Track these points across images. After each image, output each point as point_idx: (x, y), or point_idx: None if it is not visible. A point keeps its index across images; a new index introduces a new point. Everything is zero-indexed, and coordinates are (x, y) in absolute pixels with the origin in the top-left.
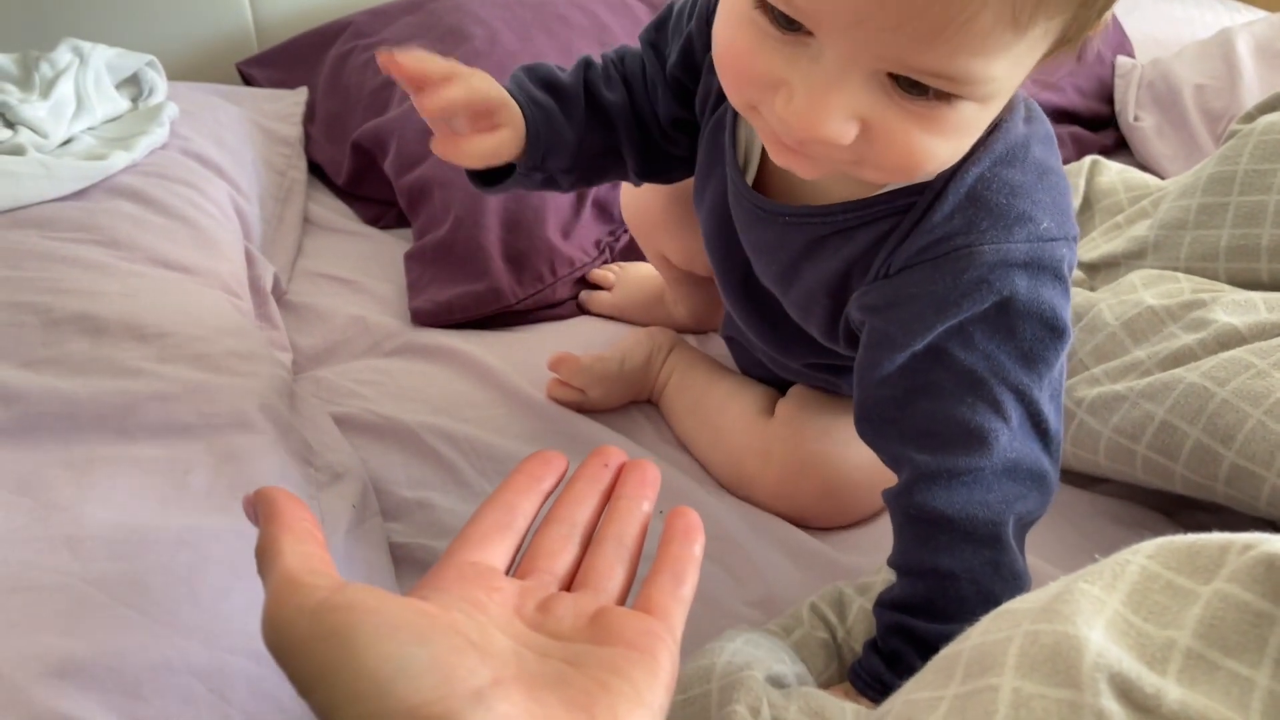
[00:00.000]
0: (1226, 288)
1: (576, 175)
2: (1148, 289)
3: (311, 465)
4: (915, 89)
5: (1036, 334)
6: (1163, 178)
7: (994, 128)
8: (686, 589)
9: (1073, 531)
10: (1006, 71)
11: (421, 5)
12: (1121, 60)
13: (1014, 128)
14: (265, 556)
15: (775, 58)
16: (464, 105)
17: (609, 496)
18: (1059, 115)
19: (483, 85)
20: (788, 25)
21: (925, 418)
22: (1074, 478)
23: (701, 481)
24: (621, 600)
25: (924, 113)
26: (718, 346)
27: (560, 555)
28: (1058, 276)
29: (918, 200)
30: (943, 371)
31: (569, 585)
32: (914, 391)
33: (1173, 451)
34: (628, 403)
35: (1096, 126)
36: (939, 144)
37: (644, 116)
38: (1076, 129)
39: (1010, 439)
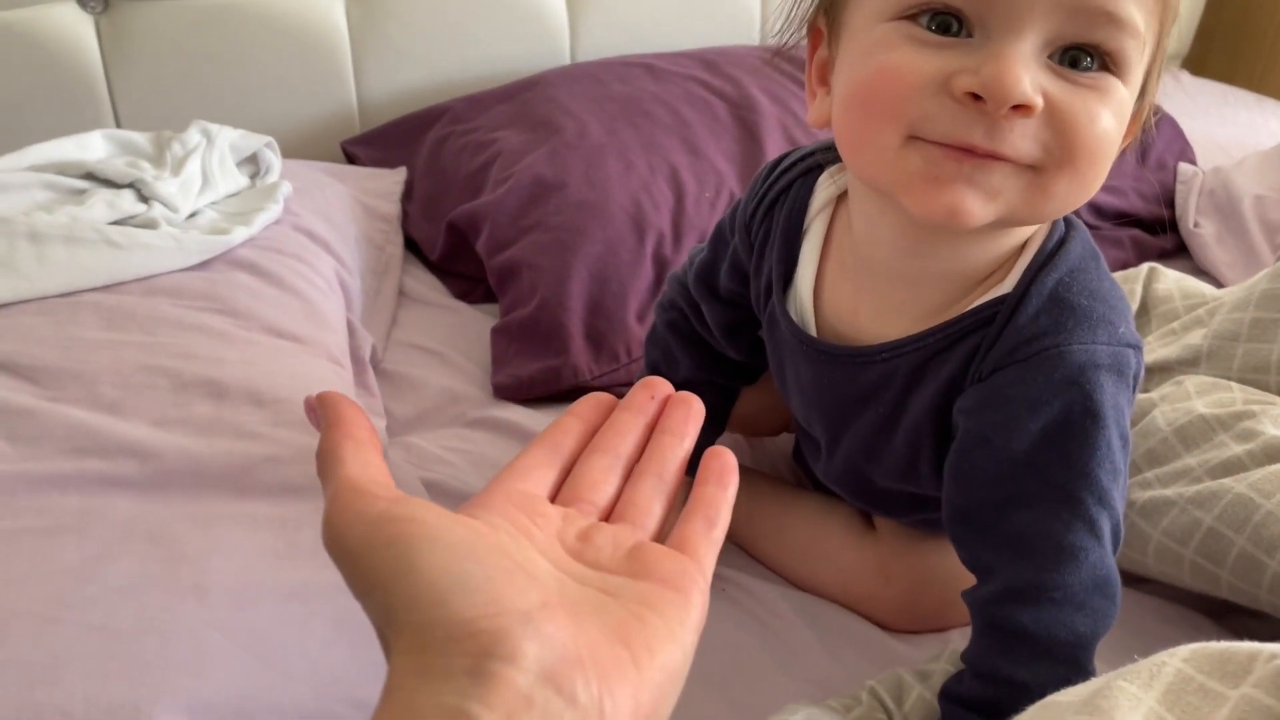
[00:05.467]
0: (1278, 400)
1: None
2: (1201, 397)
3: None
4: (1078, 64)
5: (1119, 446)
6: (1221, 284)
7: (1064, 239)
8: (718, 531)
9: (1123, 630)
10: (1144, 41)
11: (514, 95)
12: (1184, 167)
13: (1081, 243)
14: (327, 461)
15: (939, 57)
16: None
17: (653, 428)
18: (1121, 218)
19: None
20: (943, 30)
21: (1022, 525)
22: (1124, 577)
23: (756, 571)
24: (659, 535)
25: (1089, 84)
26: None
27: (602, 486)
28: (1129, 385)
29: (1002, 309)
30: (1040, 484)
31: (609, 515)
32: (1013, 499)
33: (1219, 558)
34: None
35: (1157, 230)
36: (1110, 118)
37: (706, 349)
38: (1137, 232)
39: (1101, 556)
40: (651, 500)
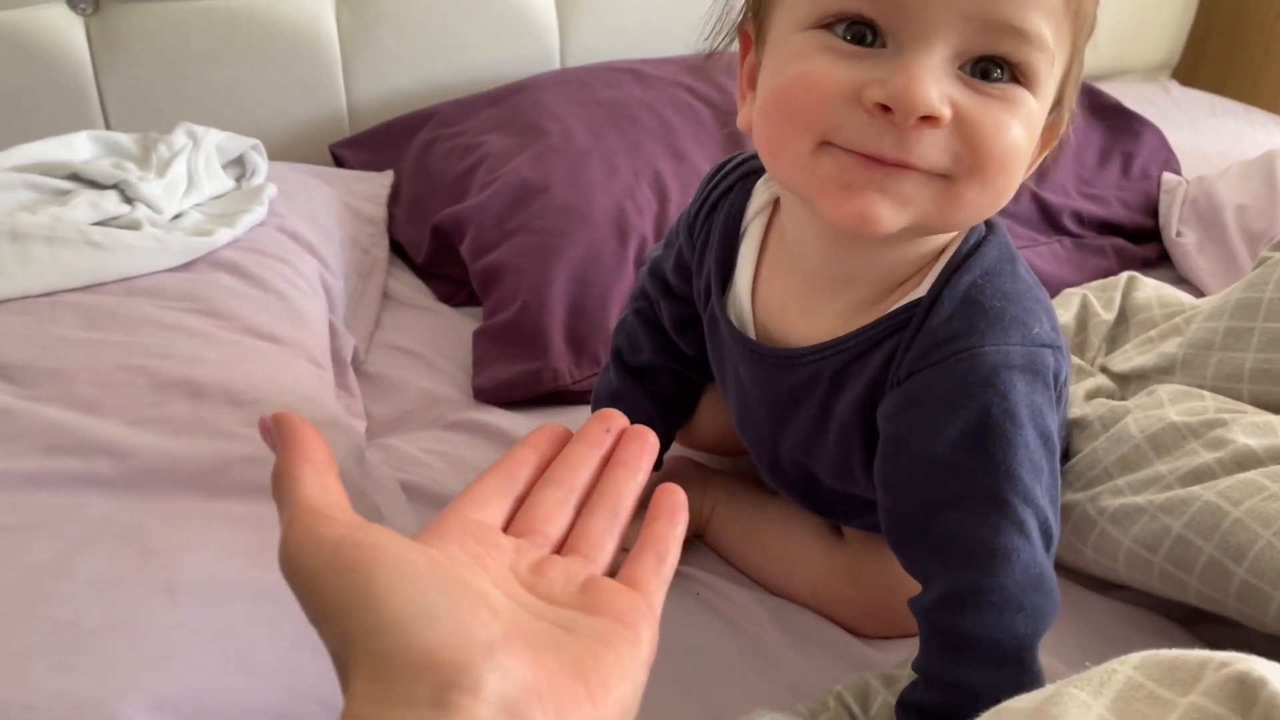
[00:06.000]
0: (1249, 409)
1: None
2: (1173, 405)
3: None
4: (988, 75)
5: (1038, 443)
6: (1203, 292)
7: (981, 242)
8: (667, 568)
9: (1093, 636)
10: (1054, 52)
11: (503, 99)
12: (1167, 177)
13: (998, 246)
14: (284, 483)
15: (851, 67)
16: None
17: (608, 460)
18: (1104, 227)
19: None
20: (855, 38)
21: (951, 529)
22: (1095, 583)
23: (730, 575)
24: (610, 570)
25: (999, 95)
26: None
27: (555, 518)
28: (1047, 384)
29: (916, 313)
30: (963, 487)
31: (561, 547)
32: (939, 503)
33: (1187, 565)
34: None
35: (1140, 239)
36: (1019, 129)
37: (669, 337)
38: (1120, 241)
39: (1033, 554)
40: (603, 535)
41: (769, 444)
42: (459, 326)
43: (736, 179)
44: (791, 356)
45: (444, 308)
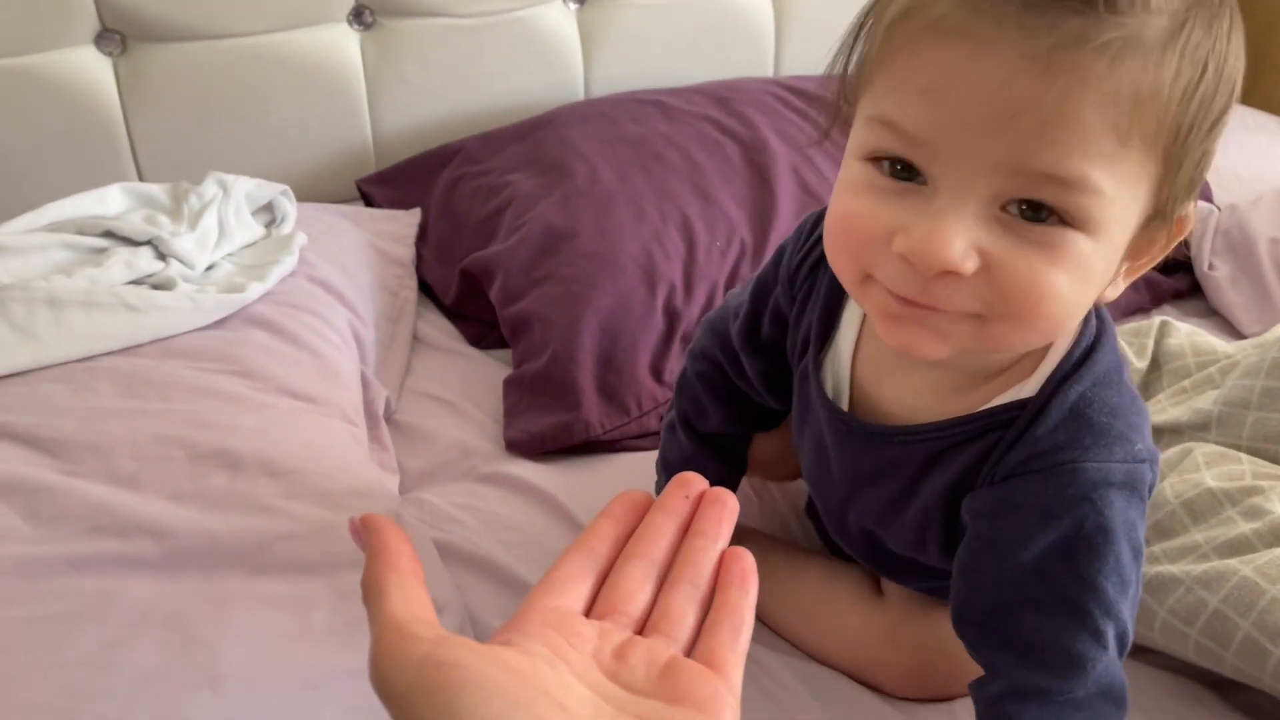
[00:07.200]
0: None
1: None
2: (1209, 469)
3: None
4: (1030, 215)
5: (1129, 558)
6: (1235, 327)
7: (1091, 350)
8: (744, 640)
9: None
10: (1112, 192)
11: (527, 134)
12: (1200, 205)
13: (1109, 353)
14: (372, 595)
15: (890, 208)
16: None
17: (687, 527)
18: None
19: None
20: (900, 174)
21: (1029, 631)
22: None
23: (766, 640)
24: (692, 642)
25: (1041, 240)
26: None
27: (637, 595)
28: (1142, 499)
29: (1021, 413)
30: (1046, 593)
31: (643, 625)
32: (1020, 604)
33: (1224, 640)
34: None
35: (1170, 270)
36: (1061, 277)
37: (741, 398)
38: (1150, 272)
39: (1107, 665)
40: (685, 611)
41: (839, 505)
42: (489, 371)
43: None
44: (884, 434)
45: (474, 351)
